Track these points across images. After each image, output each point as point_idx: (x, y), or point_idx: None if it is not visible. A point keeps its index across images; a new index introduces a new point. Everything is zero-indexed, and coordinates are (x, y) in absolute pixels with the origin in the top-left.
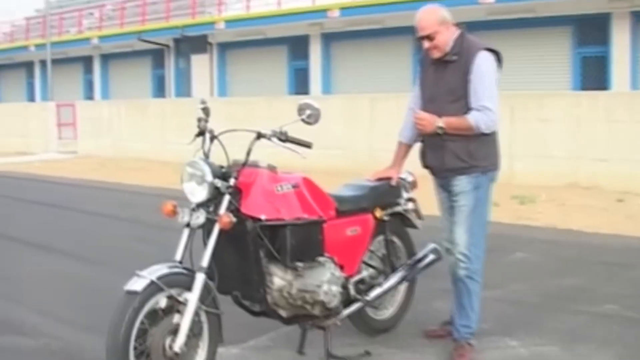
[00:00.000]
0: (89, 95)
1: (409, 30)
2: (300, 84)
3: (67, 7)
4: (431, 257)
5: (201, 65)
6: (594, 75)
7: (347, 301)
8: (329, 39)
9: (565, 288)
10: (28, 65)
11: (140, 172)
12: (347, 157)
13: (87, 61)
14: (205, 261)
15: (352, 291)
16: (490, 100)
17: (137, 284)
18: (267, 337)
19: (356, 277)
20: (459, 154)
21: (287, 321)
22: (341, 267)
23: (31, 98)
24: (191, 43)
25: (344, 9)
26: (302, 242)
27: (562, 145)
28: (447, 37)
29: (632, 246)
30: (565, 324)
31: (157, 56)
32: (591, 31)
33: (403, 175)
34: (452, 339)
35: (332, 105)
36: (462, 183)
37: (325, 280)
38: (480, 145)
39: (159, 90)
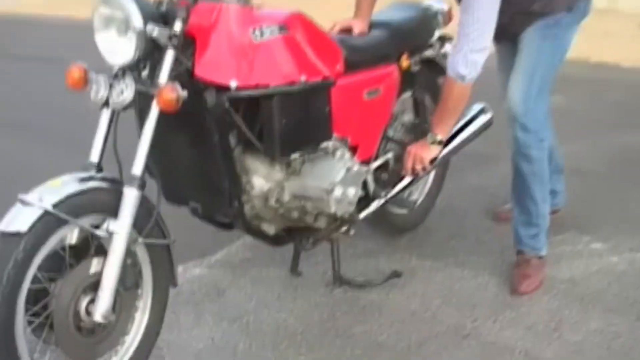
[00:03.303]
0: None
1: None
2: None
3: None
4: (482, 119)
5: None
6: None
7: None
8: None
9: (633, 149)
10: None
11: None
12: None
13: None
14: (138, 167)
15: (371, 186)
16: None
17: (20, 220)
18: (241, 244)
19: (377, 162)
20: None
21: (275, 240)
22: (354, 150)
23: None
24: None
25: None
26: (298, 121)
27: None
28: None
29: None
30: None
31: None
32: None
33: (434, 4)
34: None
35: None
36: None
37: (337, 180)
38: None
39: None
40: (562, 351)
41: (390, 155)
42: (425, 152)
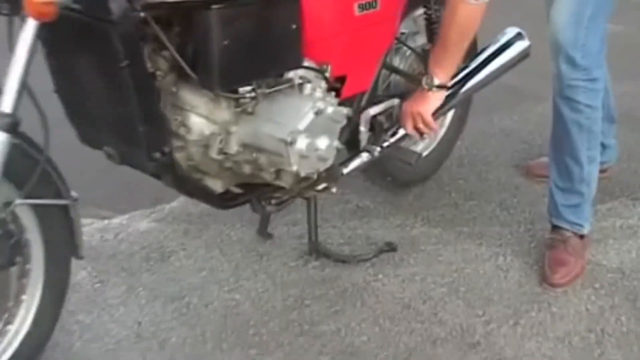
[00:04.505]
0: None
1: None
2: None
3: None
4: (517, 47)
5: None
6: None
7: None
8: None
9: None
10: None
11: None
12: None
13: None
14: (7, 101)
15: (362, 132)
16: None
17: None
18: None
19: (377, 107)
20: None
21: (222, 201)
22: (340, 81)
23: None
24: None
25: None
26: (247, 41)
27: None
28: None
29: None
30: None
31: None
32: None
33: None
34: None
35: None
36: None
37: (301, 127)
38: None
39: None
40: None
41: (395, 101)
42: (423, 104)
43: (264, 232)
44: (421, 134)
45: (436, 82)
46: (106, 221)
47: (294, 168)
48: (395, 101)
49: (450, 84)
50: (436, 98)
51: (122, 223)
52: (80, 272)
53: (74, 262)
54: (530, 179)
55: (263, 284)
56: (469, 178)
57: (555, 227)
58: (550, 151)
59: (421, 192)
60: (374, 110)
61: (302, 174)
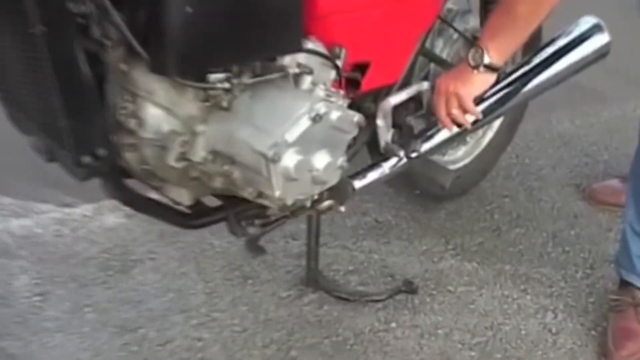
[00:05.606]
0: None
1: None
2: None
3: None
4: (595, 41)
5: None
6: None
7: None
8: None
9: None
10: None
11: None
12: None
13: None
14: None
15: (383, 137)
16: None
17: None
18: None
19: (400, 94)
20: None
21: (189, 219)
22: (361, 70)
23: None
24: None
25: None
26: (225, 11)
27: None
28: None
29: None
30: None
31: None
32: None
33: None
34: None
35: None
36: None
37: (292, 137)
38: None
39: None
40: None
41: (425, 85)
42: (463, 85)
43: (254, 246)
44: (454, 122)
45: (487, 60)
46: (67, 210)
47: (276, 193)
48: (425, 85)
49: (502, 67)
50: (482, 81)
51: (86, 215)
52: (19, 278)
53: (14, 264)
54: (593, 206)
55: (241, 321)
56: (518, 196)
57: (625, 284)
58: (630, 180)
59: (457, 209)
60: (395, 99)
61: (289, 202)
